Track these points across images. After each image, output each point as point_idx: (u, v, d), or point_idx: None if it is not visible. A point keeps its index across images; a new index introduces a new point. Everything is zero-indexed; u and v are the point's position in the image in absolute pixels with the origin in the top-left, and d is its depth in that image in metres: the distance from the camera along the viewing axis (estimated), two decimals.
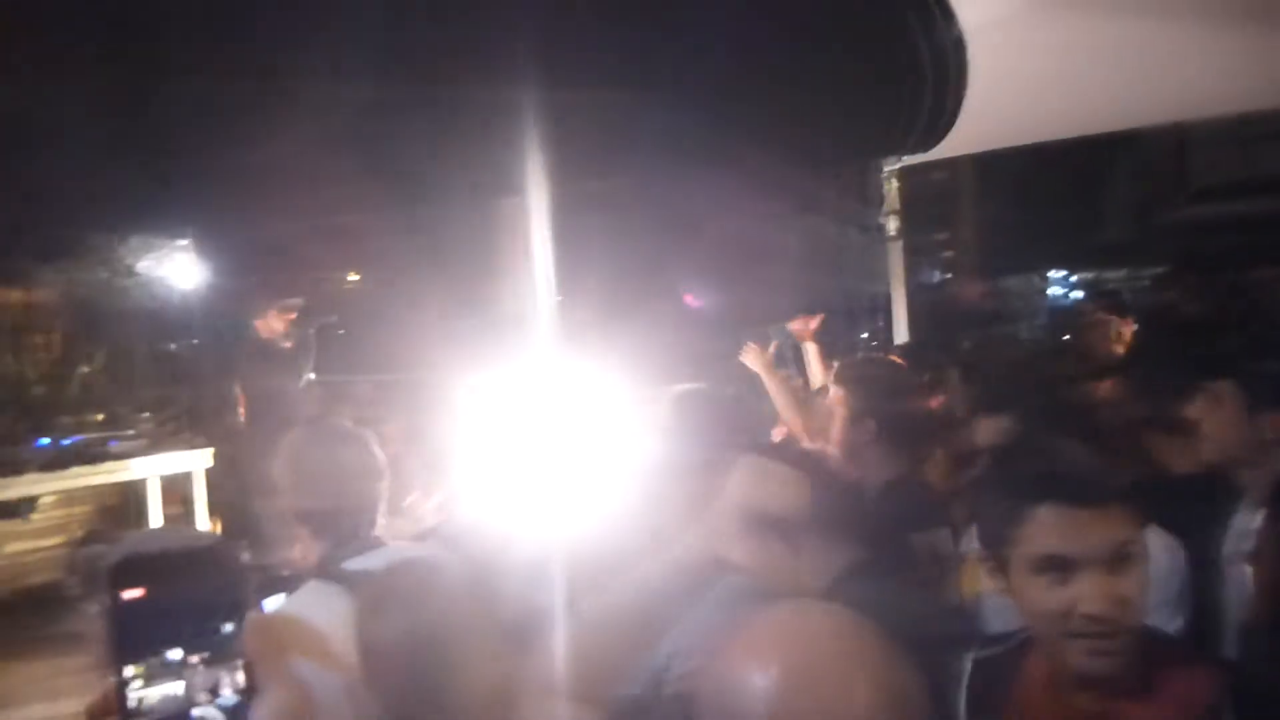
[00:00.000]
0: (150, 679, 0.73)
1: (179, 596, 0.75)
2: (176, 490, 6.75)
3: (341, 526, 2.08)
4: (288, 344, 5.23)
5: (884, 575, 1.59)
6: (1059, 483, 1.33)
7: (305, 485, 2.13)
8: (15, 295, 8.01)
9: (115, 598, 0.75)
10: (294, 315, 5.37)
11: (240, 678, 0.74)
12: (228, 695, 0.74)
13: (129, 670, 0.73)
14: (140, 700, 0.73)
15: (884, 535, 1.99)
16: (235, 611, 0.76)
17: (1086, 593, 1.29)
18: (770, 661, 0.95)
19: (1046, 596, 1.32)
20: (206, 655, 0.74)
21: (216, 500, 6.08)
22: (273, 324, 5.35)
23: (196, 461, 5.92)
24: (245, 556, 1.82)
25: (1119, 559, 1.30)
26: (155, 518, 6.43)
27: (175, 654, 0.73)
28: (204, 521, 6.04)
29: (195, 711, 0.73)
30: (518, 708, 1.28)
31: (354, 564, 1.99)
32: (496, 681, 1.52)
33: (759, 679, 0.94)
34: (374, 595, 1.51)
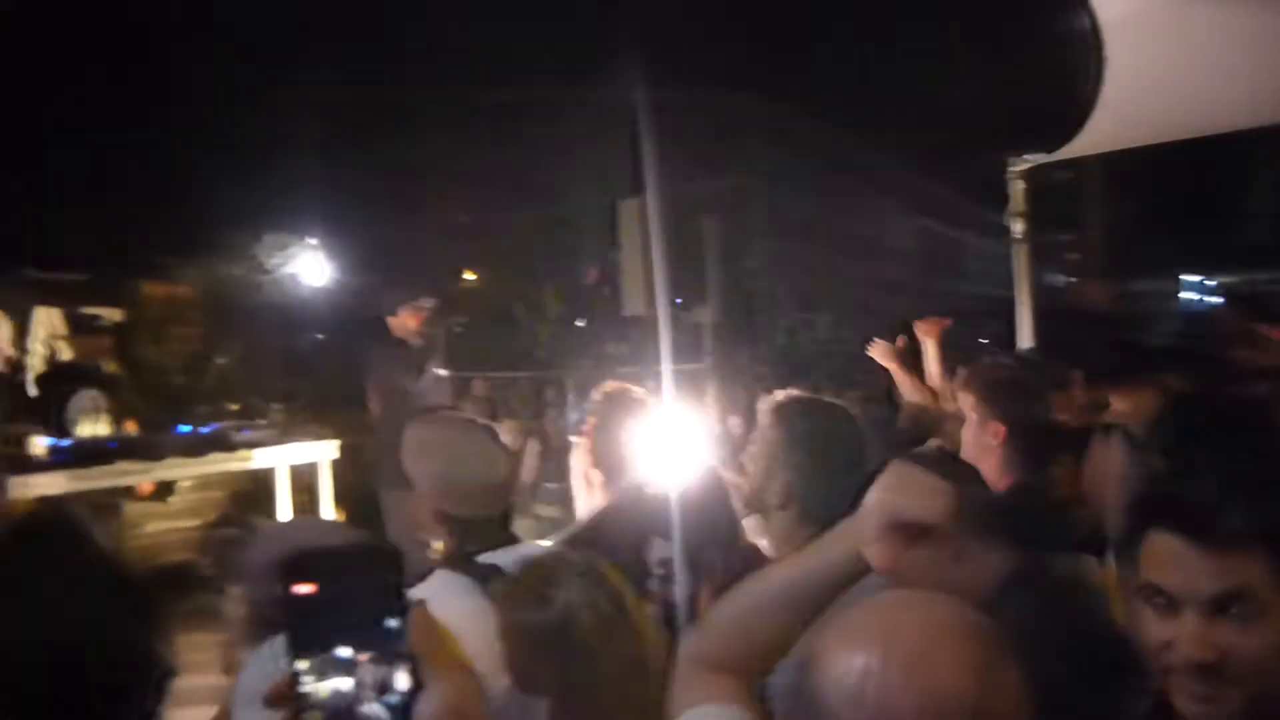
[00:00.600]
0: (320, 674, 0.75)
1: (347, 592, 0.77)
2: (301, 479, 7.02)
3: (474, 520, 2.12)
4: (419, 341, 5.36)
5: (1037, 590, 1.55)
6: (1178, 511, 1.24)
7: (440, 479, 2.16)
8: (159, 290, 8.45)
9: (286, 592, 0.77)
10: (427, 314, 5.48)
11: (406, 675, 0.76)
12: (395, 693, 0.76)
13: (300, 664, 0.76)
14: (311, 694, 0.75)
15: (1018, 543, 1.94)
16: (400, 608, 0.77)
17: (1187, 633, 1.21)
18: (873, 647, 0.95)
19: (1152, 628, 1.25)
20: (374, 653, 0.76)
21: (341, 490, 6.29)
22: (406, 322, 5.46)
23: (322, 452, 6.13)
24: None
25: (1227, 605, 1.20)
26: (283, 505, 6.70)
27: (344, 650, 0.75)
28: (329, 511, 6.25)
29: (362, 708, 0.75)
30: (667, 689, 1.30)
31: (485, 558, 2.03)
32: (642, 667, 1.54)
33: (861, 663, 0.95)
34: (511, 588, 1.55)
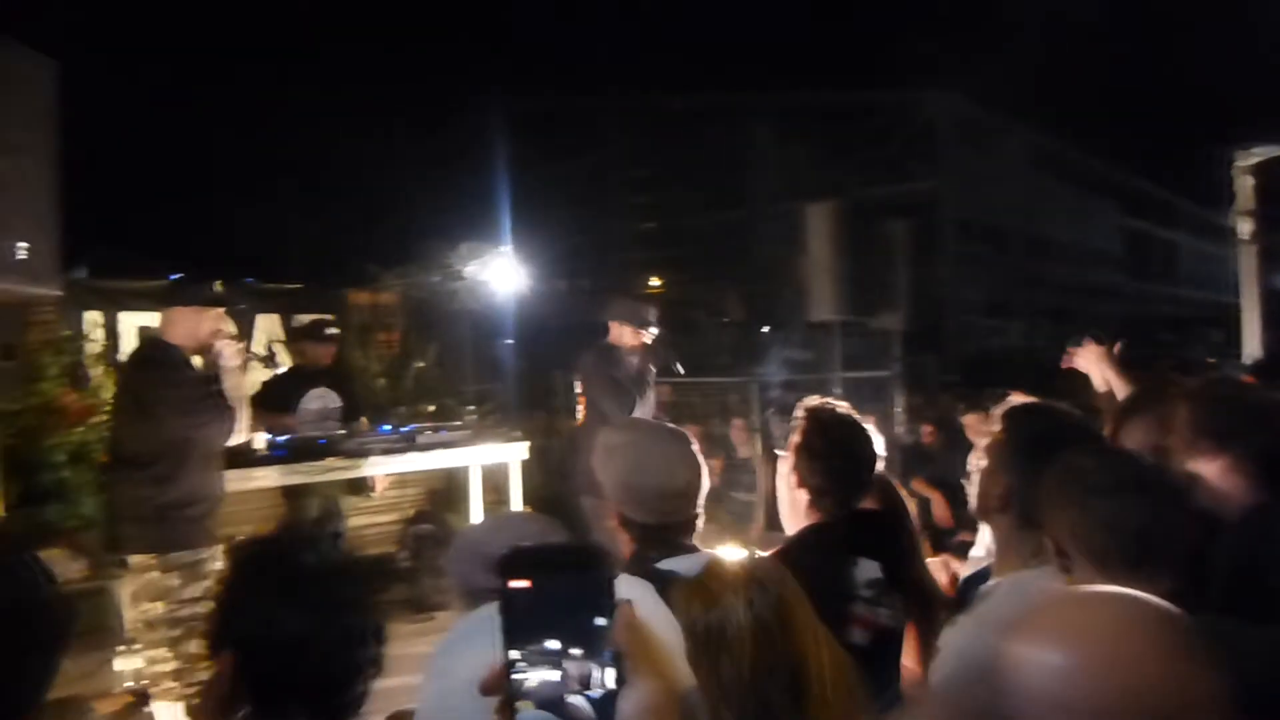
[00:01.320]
0: (531, 665, 0.78)
1: (561, 589, 0.80)
2: (491, 479, 7.28)
3: (654, 526, 2.13)
4: (638, 350, 5.37)
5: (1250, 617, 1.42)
6: None
7: (622, 484, 2.18)
8: (363, 297, 8.94)
9: (505, 586, 0.80)
10: (648, 323, 5.45)
11: (611, 671, 0.78)
12: (599, 688, 0.78)
13: (513, 654, 0.79)
14: (523, 683, 0.78)
15: (1243, 571, 1.79)
16: (609, 607, 0.79)
17: None
18: (1069, 646, 0.94)
19: None
20: (581, 648, 0.78)
21: (529, 491, 6.47)
22: (624, 330, 5.46)
23: (513, 453, 6.31)
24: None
25: None
26: (476, 504, 6.96)
27: (554, 644, 0.78)
28: (518, 508, 6.42)
29: (569, 700, 0.78)
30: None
31: (665, 564, 2.03)
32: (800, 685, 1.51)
33: (1060, 664, 0.93)
34: (685, 589, 1.54)
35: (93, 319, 7.29)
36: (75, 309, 6.96)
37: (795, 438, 2.40)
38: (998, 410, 2.17)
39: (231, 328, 4.20)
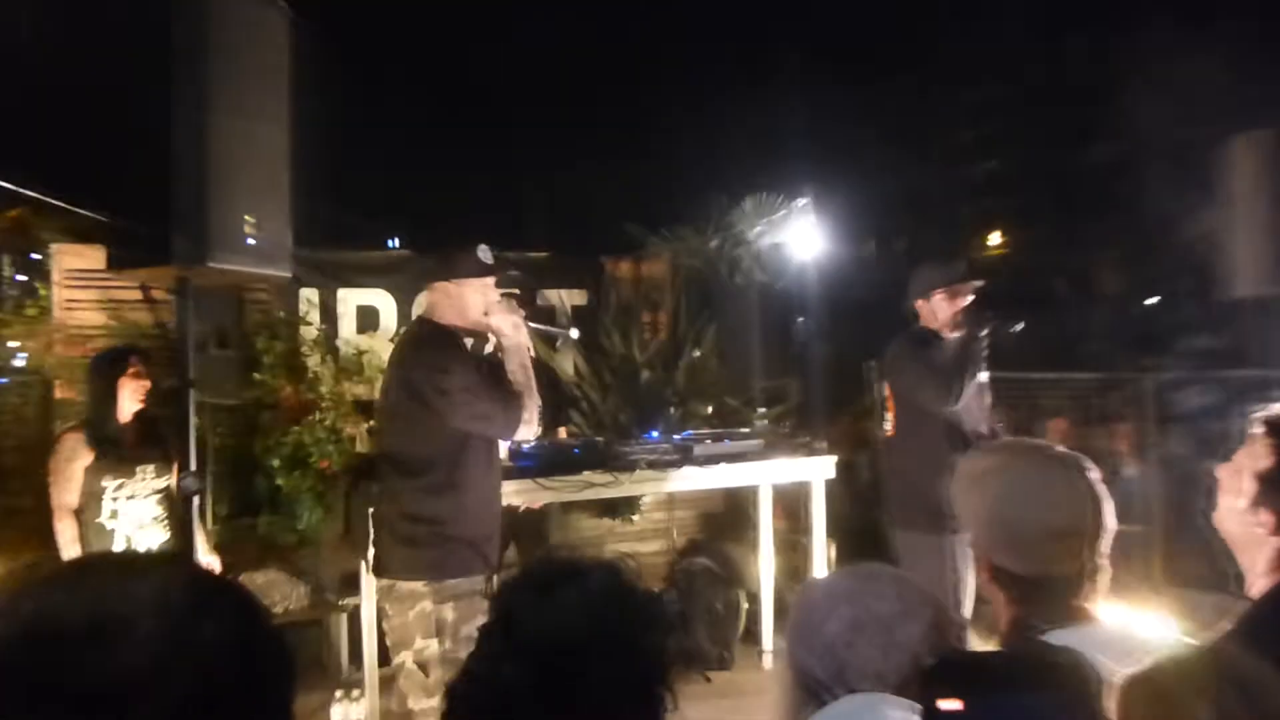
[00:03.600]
0: None
1: (1008, 713, 0.73)
2: (781, 500, 7.27)
3: (1037, 580, 2.06)
4: (958, 334, 5.20)
5: None
6: None
7: (991, 522, 2.13)
8: (623, 268, 9.15)
9: (930, 706, 0.75)
10: (970, 297, 5.28)
11: None
12: None
13: None
14: None
15: None
16: None
17: None
18: None
19: None
20: None
21: (833, 520, 6.40)
22: (939, 309, 5.32)
23: (816, 470, 6.26)
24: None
25: None
26: (765, 533, 6.98)
27: None
28: (820, 544, 6.38)
29: None
30: None
31: (1059, 636, 1.95)
32: None
33: None
34: (1136, 690, 1.43)
35: (309, 297, 7.85)
36: (291, 285, 7.49)
37: (1259, 460, 2.21)
38: None
39: (497, 296, 4.38)
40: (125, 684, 0.98)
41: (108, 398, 5.16)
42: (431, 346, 4.25)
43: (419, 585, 4.13)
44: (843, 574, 2.00)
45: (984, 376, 5.31)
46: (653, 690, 1.63)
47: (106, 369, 5.23)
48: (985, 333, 5.16)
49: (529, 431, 4.32)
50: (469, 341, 4.35)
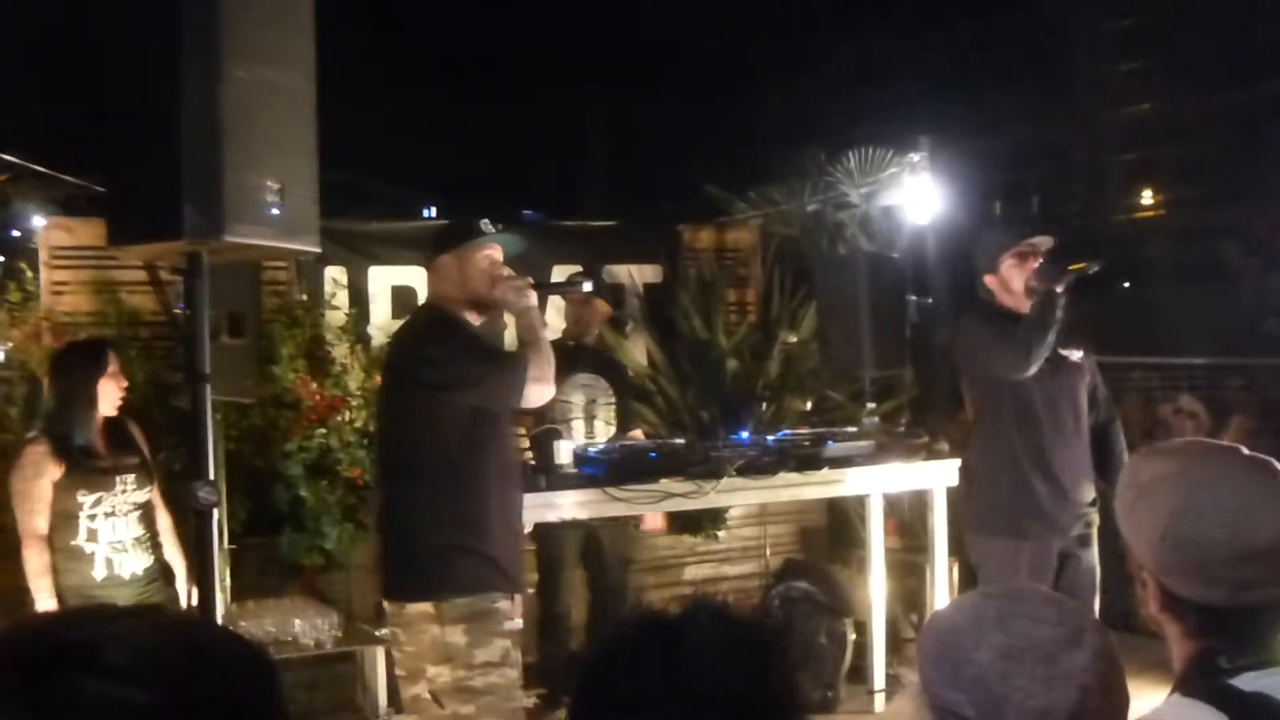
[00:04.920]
0: None
1: None
2: (894, 512, 7.22)
3: (1235, 612, 2.02)
4: (1033, 309, 5.18)
5: None
6: None
7: (1165, 540, 2.08)
8: (703, 238, 9.14)
9: None
10: (1038, 264, 5.29)
11: None
12: None
13: None
14: None
15: None
16: None
17: None
18: None
19: None
20: None
21: (956, 535, 6.36)
22: (1008, 279, 5.34)
23: (937, 476, 6.22)
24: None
25: None
26: (876, 551, 6.93)
27: None
28: (942, 565, 6.35)
29: None
30: None
31: (1254, 680, 1.95)
32: None
33: None
34: None
35: (334, 276, 7.91)
36: (314, 264, 7.54)
37: None
38: None
39: (500, 256, 4.52)
40: None
41: (84, 400, 5.11)
42: (419, 325, 4.49)
43: (426, 607, 4.24)
44: (984, 594, 1.97)
45: (1077, 355, 5.39)
46: None
47: (83, 366, 5.19)
48: (1062, 287, 5.17)
49: (541, 392, 4.42)
50: (473, 319, 4.48)
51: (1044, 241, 5.39)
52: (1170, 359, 9.11)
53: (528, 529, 5.09)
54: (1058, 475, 5.25)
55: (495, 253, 4.49)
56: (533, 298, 4.48)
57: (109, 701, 1.07)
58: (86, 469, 5.09)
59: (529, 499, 4.87)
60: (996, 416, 5.39)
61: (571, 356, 6.45)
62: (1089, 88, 17.96)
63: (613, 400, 6.72)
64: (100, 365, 5.16)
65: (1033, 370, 5.13)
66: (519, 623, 4.43)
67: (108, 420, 5.21)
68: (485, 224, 4.49)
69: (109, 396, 5.16)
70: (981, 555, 5.44)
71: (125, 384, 5.27)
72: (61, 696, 1.07)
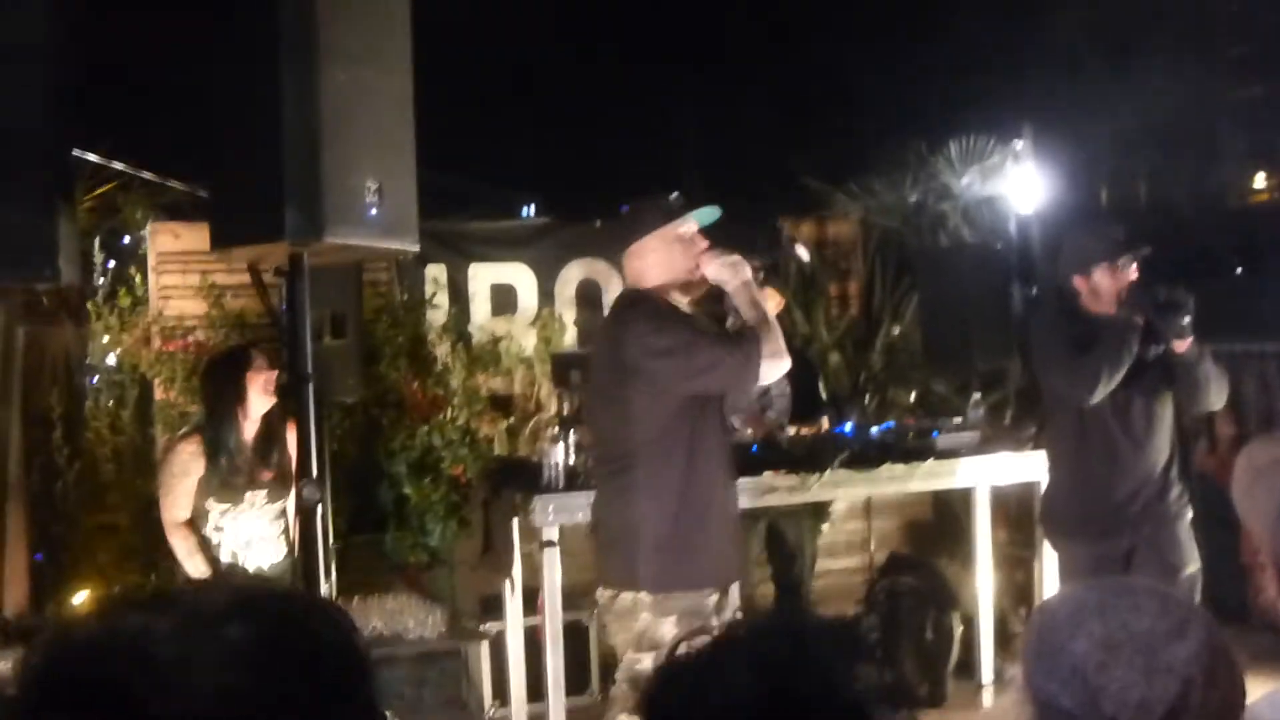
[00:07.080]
0: None
1: None
2: (1002, 505, 7.12)
3: None
4: (1114, 337, 5.11)
5: None
6: None
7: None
8: (803, 231, 9.10)
9: None
10: (1133, 273, 5.21)
11: None
12: None
13: None
14: None
15: None
16: None
17: None
18: None
19: None
20: None
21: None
22: (1100, 284, 5.26)
23: (1045, 469, 6.16)
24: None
25: None
26: (983, 546, 6.86)
27: None
28: (1050, 559, 6.27)
29: None
30: None
31: None
32: None
33: None
34: None
35: (434, 275, 7.97)
36: (414, 263, 7.61)
37: None
38: None
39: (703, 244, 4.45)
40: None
41: (233, 398, 5.34)
42: (637, 312, 4.35)
43: (642, 595, 4.23)
44: (1089, 586, 1.95)
45: (1156, 351, 5.27)
46: None
47: (226, 367, 5.45)
48: (1143, 320, 5.15)
49: (775, 368, 4.35)
50: (685, 302, 4.44)
51: (1141, 253, 5.33)
52: None
53: None
54: (1123, 477, 5.22)
55: (693, 228, 4.42)
56: (747, 270, 4.41)
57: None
58: (222, 479, 5.35)
59: None
60: (1061, 414, 5.42)
61: None
62: (1198, 71, 17.62)
63: (786, 387, 6.57)
64: (242, 365, 5.37)
65: (1098, 399, 5.11)
66: (735, 615, 4.41)
67: (265, 419, 5.44)
68: (677, 198, 4.44)
69: (263, 388, 5.35)
70: (1061, 551, 5.55)
71: (276, 372, 5.36)
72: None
